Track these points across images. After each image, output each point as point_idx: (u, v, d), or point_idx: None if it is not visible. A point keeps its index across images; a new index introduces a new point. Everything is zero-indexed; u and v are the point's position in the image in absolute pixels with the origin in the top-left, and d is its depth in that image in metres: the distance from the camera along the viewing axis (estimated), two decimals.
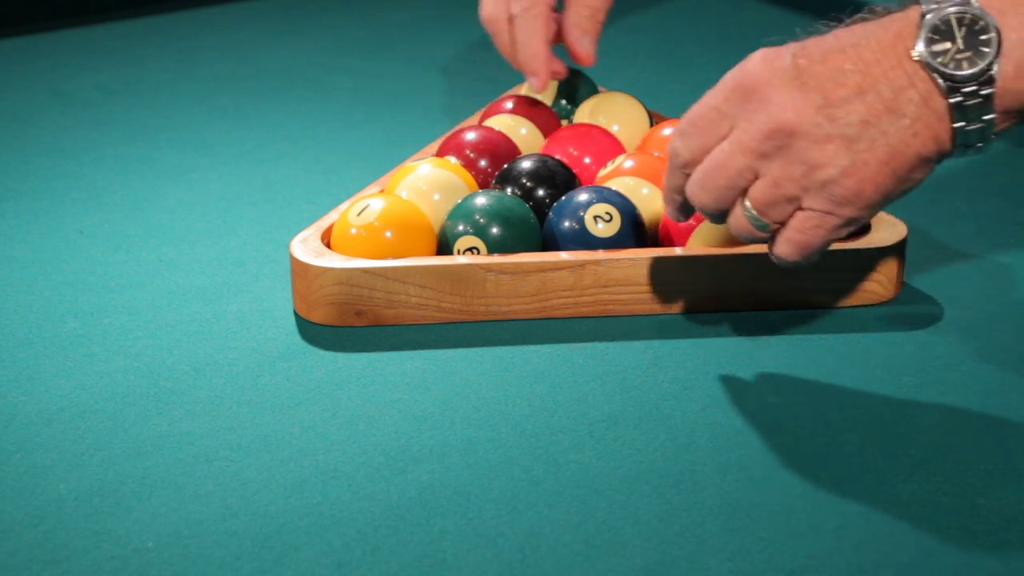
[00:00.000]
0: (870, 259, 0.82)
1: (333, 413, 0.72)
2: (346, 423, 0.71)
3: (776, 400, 0.73)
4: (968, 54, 0.64)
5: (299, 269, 0.81)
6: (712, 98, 0.69)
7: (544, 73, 0.95)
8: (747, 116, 0.67)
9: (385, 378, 0.76)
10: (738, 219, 0.70)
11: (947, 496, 0.64)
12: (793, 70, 0.66)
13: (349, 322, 0.81)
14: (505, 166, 0.89)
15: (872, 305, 0.83)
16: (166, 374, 0.76)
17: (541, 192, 0.87)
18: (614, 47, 1.32)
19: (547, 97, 1.05)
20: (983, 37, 0.64)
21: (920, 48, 0.64)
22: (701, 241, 0.83)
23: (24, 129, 1.21)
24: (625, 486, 0.65)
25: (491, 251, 0.82)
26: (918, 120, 0.65)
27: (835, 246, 0.81)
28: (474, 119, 1.05)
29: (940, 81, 0.64)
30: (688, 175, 0.71)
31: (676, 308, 0.82)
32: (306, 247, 0.82)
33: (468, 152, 0.92)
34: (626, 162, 0.89)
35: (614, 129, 0.97)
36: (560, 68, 0.97)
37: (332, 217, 0.86)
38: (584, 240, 0.82)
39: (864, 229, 0.84)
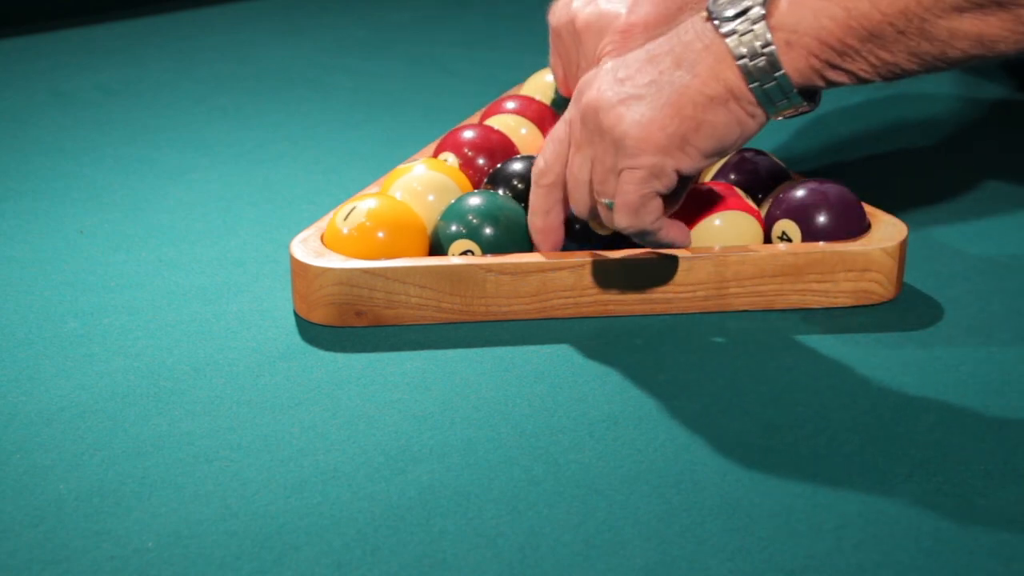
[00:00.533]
0: (870, 259, 0.82)
1: (333, 413, 0.72)
2: (346, 423, 0.71)
3: (776, 400, 0.73)
4: None
5: (299, 269, 0.81)
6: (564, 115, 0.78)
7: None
8: (579, 116, 0.75)
9: (385, 378, 0.76)
10: (600, 211, 0.75)
11: (947, 496, 0.64)
12: (610, 70, 0.73)
13: (349, 322, 0.81)
14: (497, 167, 0.89)
15: (872, 305, 0.83)
16: (166, 374, 0.76)
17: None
18: None
19: (547, 97, 1.06)
20: None
21: (708, 7, 0.71)
22: (701, 241, 0.83)
23: (24, 129, 1.21)
24: (625, 486, 0.65)
25: (485, 252, 0.82)
26: (698, 63, 0.70)
27: (836, 246, 0.81)
28: (474, 119, 1.05)
29: (716, 23, 0.70)
30: (552, 188, 0.79)
31: (676, 308, 0.82)
32: (306, 247, 0.82)
33: (467, 151, 0.92)
34: None
35: None
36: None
37: (330, 218, 0.86)
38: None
39: (864, 229, 0.84)
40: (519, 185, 0.87)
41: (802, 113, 0.73)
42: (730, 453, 0.68)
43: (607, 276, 0.81)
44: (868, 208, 0.86)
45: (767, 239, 0.85)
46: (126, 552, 0.60)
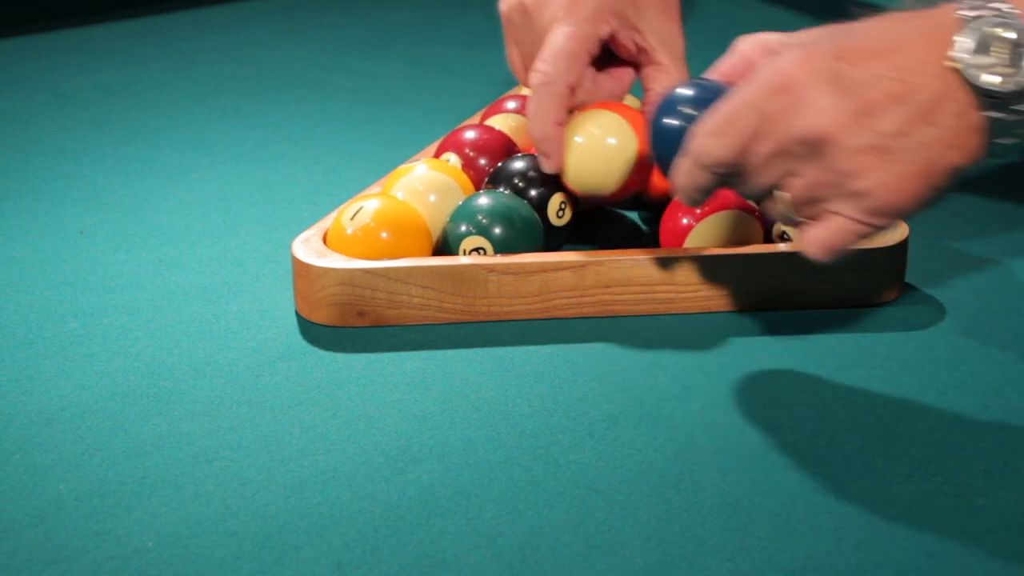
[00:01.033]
0: (870, 259, 0.82)
1: (333, 413, 0.72)
2: (346, 423, 0.71)
3: (776, 400, 0.73)
4: (1010, 70, 0.62)
5: (301, 270, 0.81)
6: (748, 96, 0.67)
7: (556, 155, 0.84)
8: (783, 118, 0.66)
9: (385, 378, 0.76)
10: (771, 205, 0.70)
11: (947, 496, 0.64)
12: (831, 73, 0.64)
13: (351, 322, 0.81)
14: (498, 165, 0.89)
15: (872, 305, 0.83)
16: (166, 374, 0.76)
17: (533, 192, 0.86)
18: None
19: None
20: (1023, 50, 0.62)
21: (957, 57, 0.63)
22: (700, 240, 0.83)
23: (24, 129, 1.21)
24: (625, 486, 0.65)
25: (497, 251, 0.82)
26: (954, 133, 0.64)
27: None
28: (474, 119, 1.05)
29: (978, 95, 0.63)
30: (717, 174, 0.70)
31: (677, 308, 0.82)
32: (308, 248, 0.82)
33: (468, 151, 0.92)
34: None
35: None
36: None
37: (333, 217, 0.86)
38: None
39: None
40: (520, 184, 0.87)
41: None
42: (730, 453, 0.68)
43: (609, 276, 0.81)
44: None
45: (767, 239, 0.85)
46: (126, 552, 0.60)
